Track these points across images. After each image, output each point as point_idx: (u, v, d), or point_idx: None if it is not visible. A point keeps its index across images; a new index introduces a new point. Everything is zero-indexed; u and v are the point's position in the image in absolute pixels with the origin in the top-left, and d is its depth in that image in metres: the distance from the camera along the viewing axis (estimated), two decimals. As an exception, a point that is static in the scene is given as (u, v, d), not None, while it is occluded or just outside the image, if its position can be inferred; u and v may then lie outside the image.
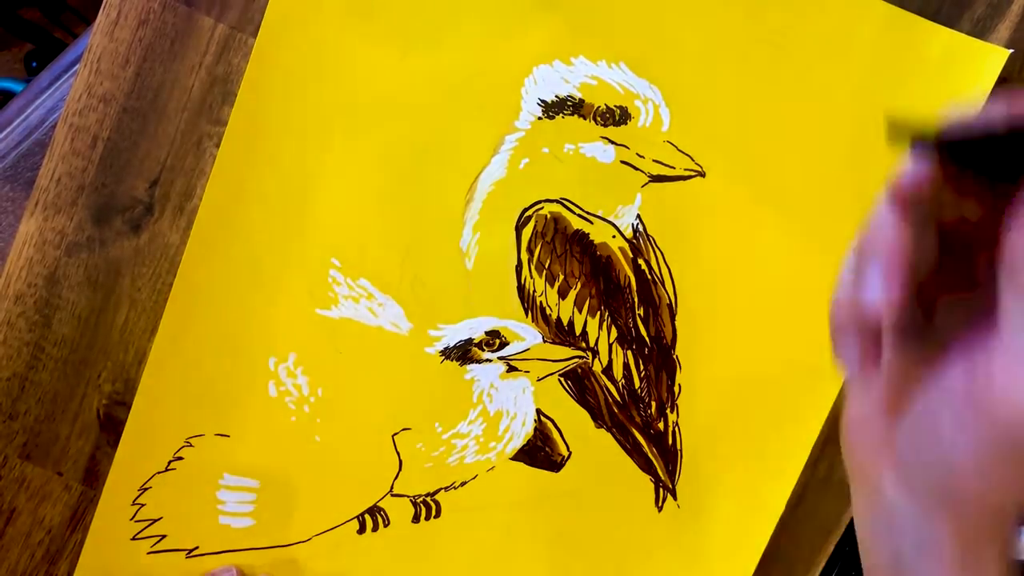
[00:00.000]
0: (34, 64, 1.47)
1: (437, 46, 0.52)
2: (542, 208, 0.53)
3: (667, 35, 0.51)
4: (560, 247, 0.53)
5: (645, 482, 0.55)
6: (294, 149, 0.53)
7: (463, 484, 0.55)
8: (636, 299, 0.53)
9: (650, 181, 0.52)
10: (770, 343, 0.54)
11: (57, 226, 0.54)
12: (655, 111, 0.51)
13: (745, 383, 0.54)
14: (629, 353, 0.54)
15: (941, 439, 0.29)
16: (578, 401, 0.54)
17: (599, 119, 0.52)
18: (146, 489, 0.56)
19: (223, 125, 0.53)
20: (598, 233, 0.53)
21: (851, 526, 0.57)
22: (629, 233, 0.53)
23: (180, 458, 0.56)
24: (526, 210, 0.53)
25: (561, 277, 0.53)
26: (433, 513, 0.56)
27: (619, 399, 0.54)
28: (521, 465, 0.55)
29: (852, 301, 0.31)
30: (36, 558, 0.57)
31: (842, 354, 0.33)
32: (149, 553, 0.56)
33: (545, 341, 0.54)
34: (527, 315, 0.54)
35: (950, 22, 0.51)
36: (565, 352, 0.54)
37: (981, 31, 0.51)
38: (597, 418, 0.55)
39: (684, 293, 0.53)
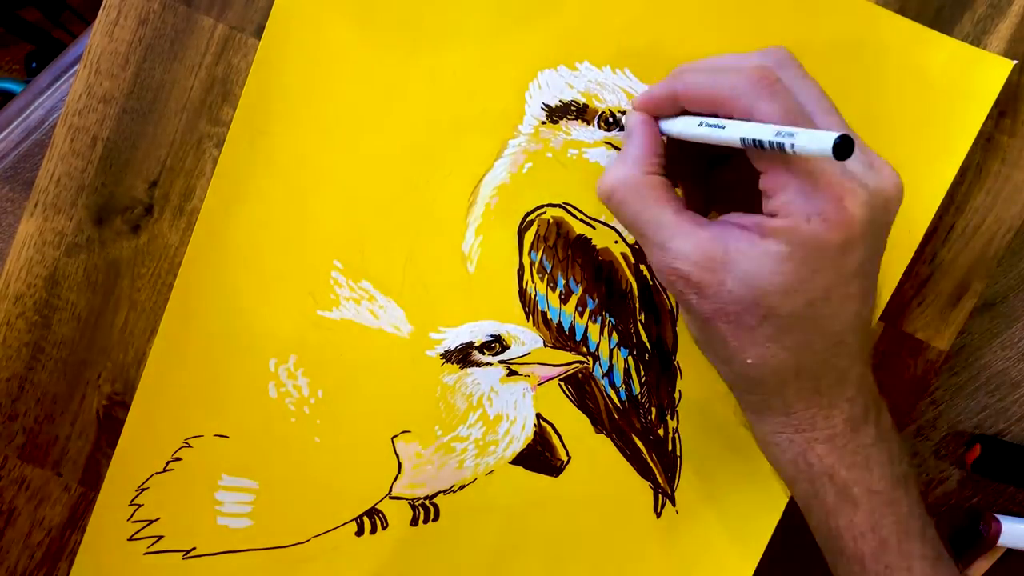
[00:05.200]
0: (34, 64, 1.47)
1: (441, 49, 0.51)
2: (544, 212, 0.52)
3: (672, 41, 0.51)
4: (562, 252, 0.53)
5: (644, 488, 0.55)
6: (297, 150, 0.52)
7: (462, 488, 0.55)
8: (638, 305, 0.53)
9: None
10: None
11: (57, 227, 0.53)
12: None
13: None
14: (630, 359, 0.54)
15: None
16: (578, 406, 0.54)
17: (603, 124, 0.52)
18: (144, 489, 0.56)
19: (223, 126, 0.53)
20: (600, 238, 0.53)
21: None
22: (631, 239, 0.53)
23: (179, 459, 0.56)
24: (528, 214, 0.53)
25: (563, 282, 0.53)
26: (432, 516, 0.56)
27: (619, 404, 0.54)
28: (520, 469, 0.55)
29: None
30: (36, 559, 0.57)
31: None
32: (146, 554, 0.56)
33: (546, 345, 0.54)
34: (528, 319, 0.53)
35: (951, 22, 0.51)
36: (566, 357, 0.54)
37: (981, 31, 0.51)
38: (597, 423, 0.55)
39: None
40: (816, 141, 0.36)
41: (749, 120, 0.40)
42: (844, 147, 0.35)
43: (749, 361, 0.42)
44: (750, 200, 0.42)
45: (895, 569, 0.45)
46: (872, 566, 0.45)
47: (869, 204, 0.40)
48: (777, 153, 0.38)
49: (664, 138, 0.45)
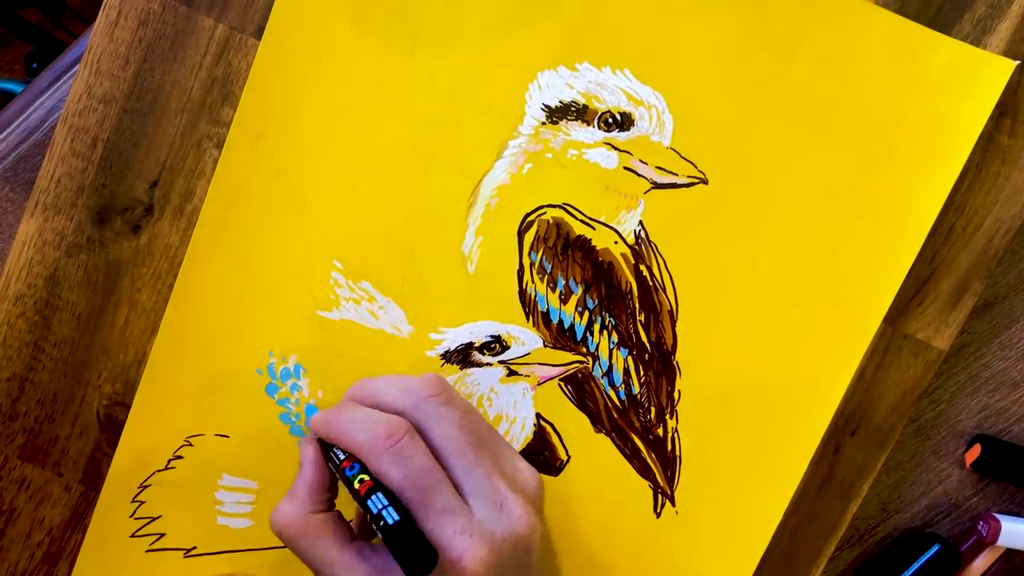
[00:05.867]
0: (34, 65, 1.47)
1: (441, 50, 0.51)
2: (544, 213, 0.52)
3: (672, 42, 0.51)
4: (562, 252, 0.53)
5: (644, 488, 0.55)
6: (297, 151, 0.52)
7: (462, 487, 0.55)
8: (637, 305, 0.53)
9: (653, 188, 0.52)
10: (770, 350, 0.54)
11: (57, 227, 0.53)
12: (659, 118, 0.51)
13: (745, 390, 0.54)
14: (629, 358, 0.54)
15: None
16: (578, 406, 0.54)
17: (603, 125, 0.52)
18: (145, 487, 0.56)
19: (223, 126, 0.53)
20: (600, 239, 0.53)
21: (849, 528, 0.58)
22: (631, 239, 0.53)
23: (180, 457, 0.56)
24: (528, 215, 0.53)
25: (563, 282, 0.53)
26: (432, 516, 0.56)
27: (619, 404, 0.54)
28: (520, 469, 0.55)
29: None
30: (36, 559, 0.57)
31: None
32: (147, 551, 0.56)
33: (546, 345, 0.54)
34: (528, 319, 0.54)
35: (950, 23, 0.51)
36: (565, 357, 0.54)
37: (981, 32, 0.51)
38: (596, 423, 0.55)
39: (685, 299, 0.53)
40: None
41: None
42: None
43: None
44: None
45: None
46: None
47: (493, 556, 0.42)
48: None
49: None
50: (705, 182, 0.52)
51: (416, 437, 0.43)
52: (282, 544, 0.55)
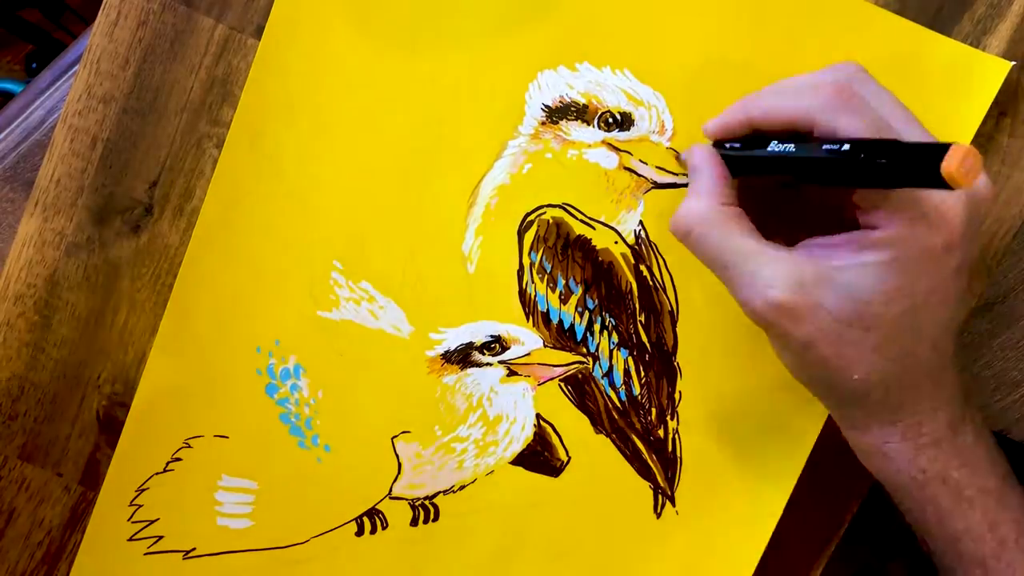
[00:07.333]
0: (34, 65, 1.47)
1: (441, 50, 0.51)
2: (544, 213, 0.52)
3: (672, 42, 0.51)
4: (562, 252, 0.53)
5: (644, 488, 0.55)
6: (297, 151, 0.52)
7: (462, 488, 0.55)
8: (637, 305, 0.53)
9: (653, 187, 0.52)
10: (770, 350, 0.54)
11: (57, 227, 0.53)
12: (659, 118, 0.51)
13: (745, 391, 0.54)
14: (630, 359, 0.54)
15: None
16: (578, 406, 0.54)
17: (603, 125, 0.52)
18: (144, 490, 0.56)
19: (223, 126, 0.53)
20: (600, 239, 0.53)
21: (849, 528, 0.58)
22: (631, 239, 0.53)
23: (178, 459, 0.56)
24: (528, 215, 0.53)
25: (563, 282, 0.53)
26: (431, 516, 0.56)
27: (619, 405, 0.54)
28: (520, 470, 0.55)
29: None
30: (36, 559, 0.57)
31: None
32: (146, 554, 0.56)
33: (546, 346, 0.54)
34: (528, 320, 0.53)
35: (950, 22, 0.51)
36: (566, 357, 0.54)
37: (981, 32, 0.51)
38: (597, 424, 0.55)
39: (685, 300, 0.53)
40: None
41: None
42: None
43: (856, 377, 0.42)
44: (824, 223, 0.42)
45: (1019, 567, 0.45)
46: (994, 566, 0.45)
47: (966, 203, 0.40)
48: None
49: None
50: (705, 182, 0.52)
51: (862, 95, 0.41)
52: (284, 544, 0.56)
